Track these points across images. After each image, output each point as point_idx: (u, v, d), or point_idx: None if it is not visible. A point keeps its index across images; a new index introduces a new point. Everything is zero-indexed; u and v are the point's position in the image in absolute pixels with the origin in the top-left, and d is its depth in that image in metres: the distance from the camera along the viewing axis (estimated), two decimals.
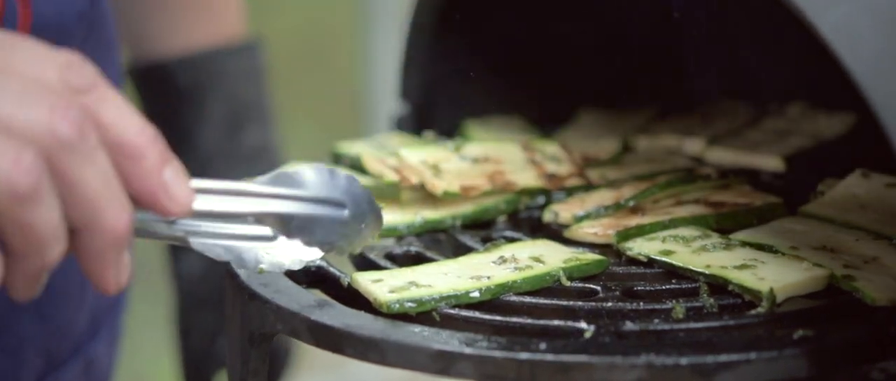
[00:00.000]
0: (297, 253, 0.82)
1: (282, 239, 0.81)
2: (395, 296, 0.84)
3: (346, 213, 0.84)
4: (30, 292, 0.71)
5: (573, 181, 1.03)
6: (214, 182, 0.78)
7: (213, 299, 1.74)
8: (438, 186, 0.98)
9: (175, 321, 1.78)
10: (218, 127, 1.57)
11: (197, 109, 1.46)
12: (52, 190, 0.68)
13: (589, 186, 1.03)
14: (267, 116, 1.53)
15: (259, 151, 1.70)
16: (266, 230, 0.81)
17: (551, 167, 1.05)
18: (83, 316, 1.18)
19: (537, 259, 0.89)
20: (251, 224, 0.80)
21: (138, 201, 0.71)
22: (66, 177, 0.68)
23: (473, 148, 1.06)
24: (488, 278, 0.86)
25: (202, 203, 0.76)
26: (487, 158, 1.04)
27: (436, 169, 1.01)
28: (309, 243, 0.82)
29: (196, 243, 0.78)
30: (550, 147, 1.09)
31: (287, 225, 0.81)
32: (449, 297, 0.84)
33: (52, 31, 1.04)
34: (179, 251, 1.75)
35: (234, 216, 0.79)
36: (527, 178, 1.02)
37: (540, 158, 1.06)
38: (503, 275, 0.86)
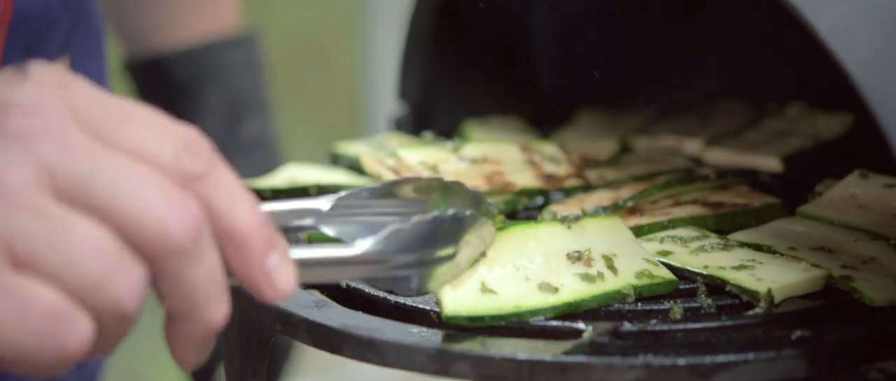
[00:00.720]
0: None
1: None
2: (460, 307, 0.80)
3: (452, 255, 0.81)
4: (198, 357, 0.69)
5: (571, 182, 1.03)
6: (317, 252, 0.75)
7: None
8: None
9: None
10: (216, 119, 1.57)
11: (195, 101, 1.46)
12: (143, 303, 0.66)
13: (587, 187, 1.03)
14: (265, 108, 1.53)
15: (258, 142, 1.71)
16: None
17: (550, 168, 1.05)
18: None
19: (610, 261, 0.85)
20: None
21: (242, 284, 0.70)
22: (171, 277, 0.66)
23: (472, 149, 1.06)
24: (558, 289, 0.82)
25: (305, 276, 0.74)
26: (486, 159, 1.04)
27: (434, 170, 1.02)
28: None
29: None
30: (549, 148, 1.09)
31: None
32: (515, 314, 0.80)
33: (36, 20, 1.02)
34: None
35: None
36: (525, 178, 1.02)
37: (538, 159, 1.06)
38: (573, 289, 0.82)
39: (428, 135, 1.16)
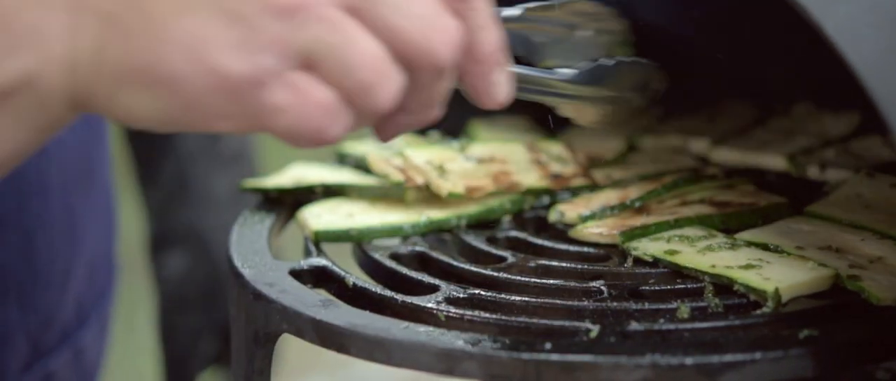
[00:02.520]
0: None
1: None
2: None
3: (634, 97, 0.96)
4: (396, 136, 0.81)
5: (578, 181, 1.03)
6: (531, 71, 0.89)
7: (197, 300, 1.74)
8: (443, 186, 0.98)
9: (158, 322, 1.79)
10: (198, 132, 1.58)
11: None
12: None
13: (594, 187, 1.03)
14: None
15: (237, 156, 1.72)
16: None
17: (556, 167, 1.05)
18: (69, 304, 1.18)
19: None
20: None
21: (466, 87, 0.80)
22: (419, 85, 0.76)
23: (478, 148, 1.06)
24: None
25: (519, 91, 0.86)
26: (493, 159, 1.04)
27: (441, 169, 1.01)
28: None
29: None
30: (555, 147, 1.09)
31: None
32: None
33: None
34: (162, 253, 1.75)
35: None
36: (532, 178, 1.02)
37: (545, 159, 1.06)
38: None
39: (434, 134, 1.16)
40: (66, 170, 1.14)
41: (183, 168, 1.71)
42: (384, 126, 0.79)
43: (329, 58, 0.71)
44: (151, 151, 1.73)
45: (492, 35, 0.79)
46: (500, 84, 0.80)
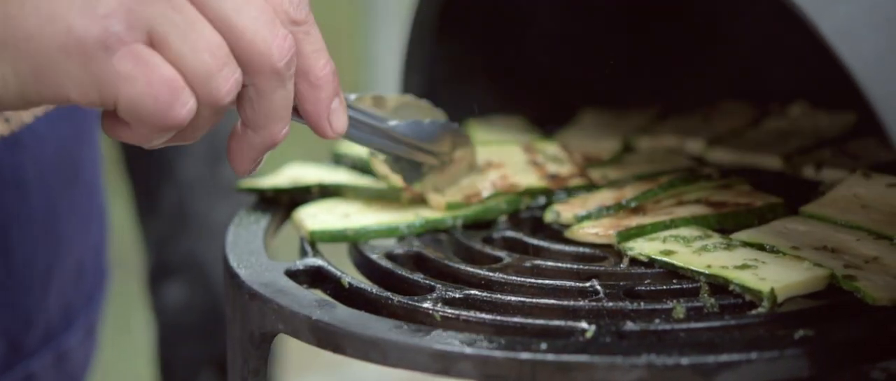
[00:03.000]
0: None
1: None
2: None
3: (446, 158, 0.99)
4: (252, 166, 0.83)
5: (575, 181, 1.03)
6: (363, 114, 0.92)
7: (197, 331, 1.74)
8: (441, 201, 0.99)
9: (157, 353, 1.78)
10: (198, 160, 1.58)
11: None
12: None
13: (591, 186, 1.03)
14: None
15: (234, 184, 1.71)
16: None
17: (553, 168, 1.05)
18: (53, 305, 1.17)
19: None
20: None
21: (304, 118, 0.83)
22: (259, 91, 0.80)
23: (481, 151, 1.05)
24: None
25: (351, 129, 0.89)
26: (490, 163, 1.04)
27: None
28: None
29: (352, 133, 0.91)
30: (551, 148, 1.09)
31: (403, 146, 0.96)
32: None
33: None
34: (162, 283, 1.76)
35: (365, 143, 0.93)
36: (529, 179, 1.02)
37: (541, 160, 1.06)
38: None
39: None
40: (45, 165, 1.13)
41: (182, 198, 1.71)
42: (236, 151, 0.82)
43: (173, 36, 0.75)
44: (151, 180, 1.73)
45: (325, 60, 0.83)
46: (338, 112, 0.84)
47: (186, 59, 0.76)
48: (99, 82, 0.75)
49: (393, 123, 0.94)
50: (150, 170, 1.73)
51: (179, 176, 1.69)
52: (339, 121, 0.84)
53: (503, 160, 1.05)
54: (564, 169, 1.05)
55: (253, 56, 0.78)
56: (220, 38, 0.77)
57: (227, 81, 0.77)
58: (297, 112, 0.83)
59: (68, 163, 1.17)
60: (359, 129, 0.91)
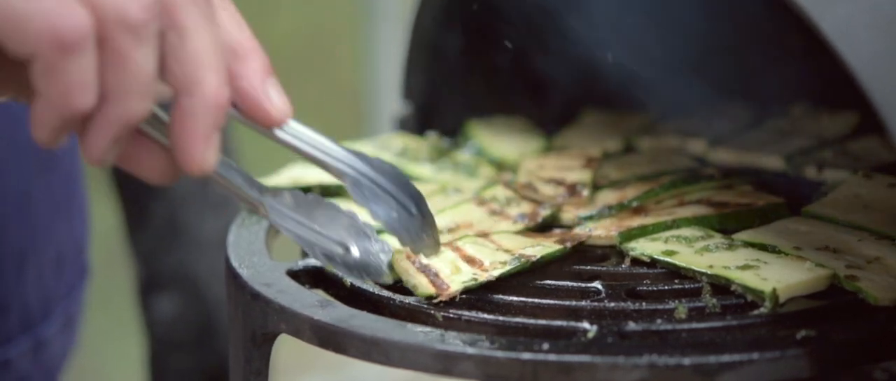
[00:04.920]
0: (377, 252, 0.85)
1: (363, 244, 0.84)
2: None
3: (414, 210, 0.85)
4: (105, 150, 0.70)
5: (544, 213, 0.98)
6: (306, 128, 0.79)
7: (188, 344, 1.75)
8: (454, 290, 0.87)
9: (148, 366, 1.79)
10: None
11: None
12: (156, 40, 0.68)
13: (595, 187, 1.03)
14: (234, 165, 1.55)
15: (225, 197, 1.72)
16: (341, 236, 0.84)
17: (513, 210, 1.00)
18: (31, 293, 1.17)
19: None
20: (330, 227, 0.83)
21: (240, 103, 0.72)
22: (180, 29, 0.69)
23: (440, 219, 0.95)
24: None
25: (291, 138, 0.78)
26: (458, 225, 0.98)
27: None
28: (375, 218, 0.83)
29: (275, 219, 0.80)
30: (498, 190, 1.04)
31: (356, 192, 0.82)
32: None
33: None
34: (152, 296, 1.76)
35: (314, 162, 0.80)
36: (504, 228, 0.97)
37: (498, 207, 1.01)
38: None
39: (432, 135, 1.16)
40: (19, 147, 1.13)
41: (173, 212, 1.72)
42: (89, 131, 0.70)
43: None
44: (140, 193, 1.73)
45: (248, 33, 0.73)
46: (279, 95, 0.74)
47: None
48: None
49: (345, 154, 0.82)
50: (139, 182, 1.73)
51: (170, 189, 1.69)
52: (281, 100, 0.74)
53: (468, 219, 0.99)
54: (523, 207, 1.00)
55: (105, 2, 0.67)
56: None
57: (67, 16, 0.66)
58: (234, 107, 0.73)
59: (44, 148, 1.16)
60: (307, 142, 0.79)
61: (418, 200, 0.85)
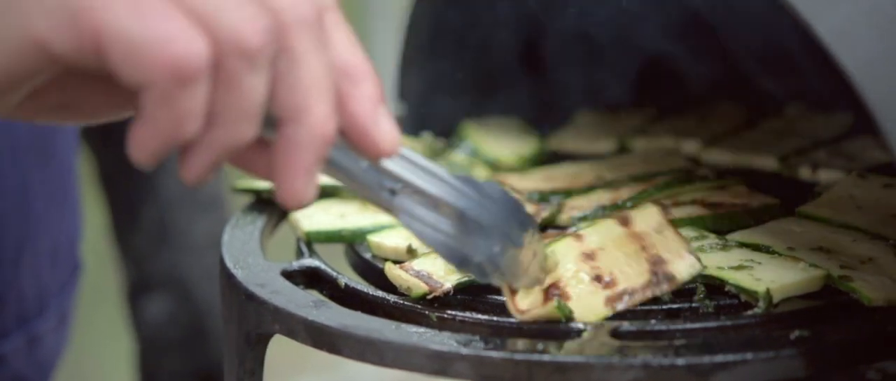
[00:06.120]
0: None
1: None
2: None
3: (521, 241, 0.80)
4: (205, 172, 0.67)
5: (544, 214, 0.99)
6: (415, 154, 0.74)
7: (178, 345, 1.75)
8: (448, 287, 0.85)
9: (138, 368, 1.79)
10: (178, 177, 1.59)
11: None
12: (269, 66, 0.65)
13: (590, 188, 1.03)
14: (221, 169, 1.55)
15: (213, 199, 1.72)
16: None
17: None
18: (26, 288, 1.17)
19: None
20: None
21: (348, 129, 0.68)
22: (292, 54, 0.66)
23: None
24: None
25: (400, 166, 0.73)
26: None
27: (412, 255, 0.93)
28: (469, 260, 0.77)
29: (405, 219, 0.74)
30: None
31: (458, 226, 0.76)
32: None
33: None
34: (140, 298, 1.76)
35: (420, 194, 0.74)
36: None
37: None
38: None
39: (427, 136, 1.16)
40: (17, 141, 1.12)
41: (163, 214, 1.72)
42: (191, 153, 0.67)
43: None
44: (130, 196, 1.74)
45: (362, 55, 0.69)
46: (388, 119, 0.69)
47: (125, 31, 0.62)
48: (71, 9, 0.62)
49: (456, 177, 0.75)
50: (129, 186, 1.73)
51: (160, 192, 1.70)
52: (392, 129, 0.69)
53: None
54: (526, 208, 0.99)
55: (277, 3, 0.65)
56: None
57: (248, 18, 0.64)
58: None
59: (42, 141, 1.16)
60: (416, 169, 0.73)
61: (527, 226, 0.80)
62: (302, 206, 0.68)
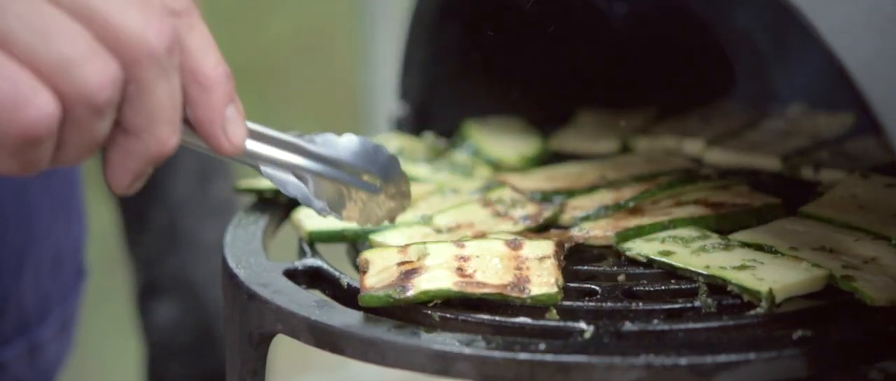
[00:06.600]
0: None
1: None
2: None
3: (378, 188, 0.88)
4: (133, 181, 0.73)
5: (547, 214, 0.98)
6: (269, 130, 0.81)
7: (187, 349, 1.75)
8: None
9: (146, 371, 1.79)
10: (189, 177, 1.59)
11: (168, 162, 1.48)
12: (115, 108, 0.70)
13: (593, 188, 1.03)
14: (230, 171, 1.56)
15: (224, 202, 1.72)
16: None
17: (518, 212, 1.00)
18: (28, 296, 1.17)
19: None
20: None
21: (196, 129, 0.74)
22: (140, 84, 0.70)
23: (442, 218, 0.99)
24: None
25: (253, 145, 0.80)
26: (459, 225, 0.98)
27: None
28: (334, 207, 0.86)
29: (266, 170, 0.82)
30: (505, 192, 1.03)
31: (313, 182, 0.85)
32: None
33: None
34: (149, 301, 1.76)
35: (276, 164, 0.82)
36: (507, 228, 0.97)
37: (503, 208, 1.00)
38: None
39: (429, 135, 1.16)
40: None
41: (172, 217, 1.72)
42: (115, 161, 0.73)
43: (17, 28, 0.67)
44: (139, 199, 1.74)
45: (216, 59, 0.74)
46: (235, 121, 0.75)
47: (37, 51, 0.67)
48: None
49: (312, 141, 0.84)
50: (139, 190, 1.73)
51: (169, 195, 1.70)
52: (237, 131, 0.75)
53: (470, 220, 0.99)
54: (528, 208, 1.01)
55: (126, 43, 0.69)
56: (80, 26, 0.68)
57: (97, 72, 0.68)
58: (189, 124, 0.75)
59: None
60: (267, 144, 0.81)
61: (392, 178, 0.88)
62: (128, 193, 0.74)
